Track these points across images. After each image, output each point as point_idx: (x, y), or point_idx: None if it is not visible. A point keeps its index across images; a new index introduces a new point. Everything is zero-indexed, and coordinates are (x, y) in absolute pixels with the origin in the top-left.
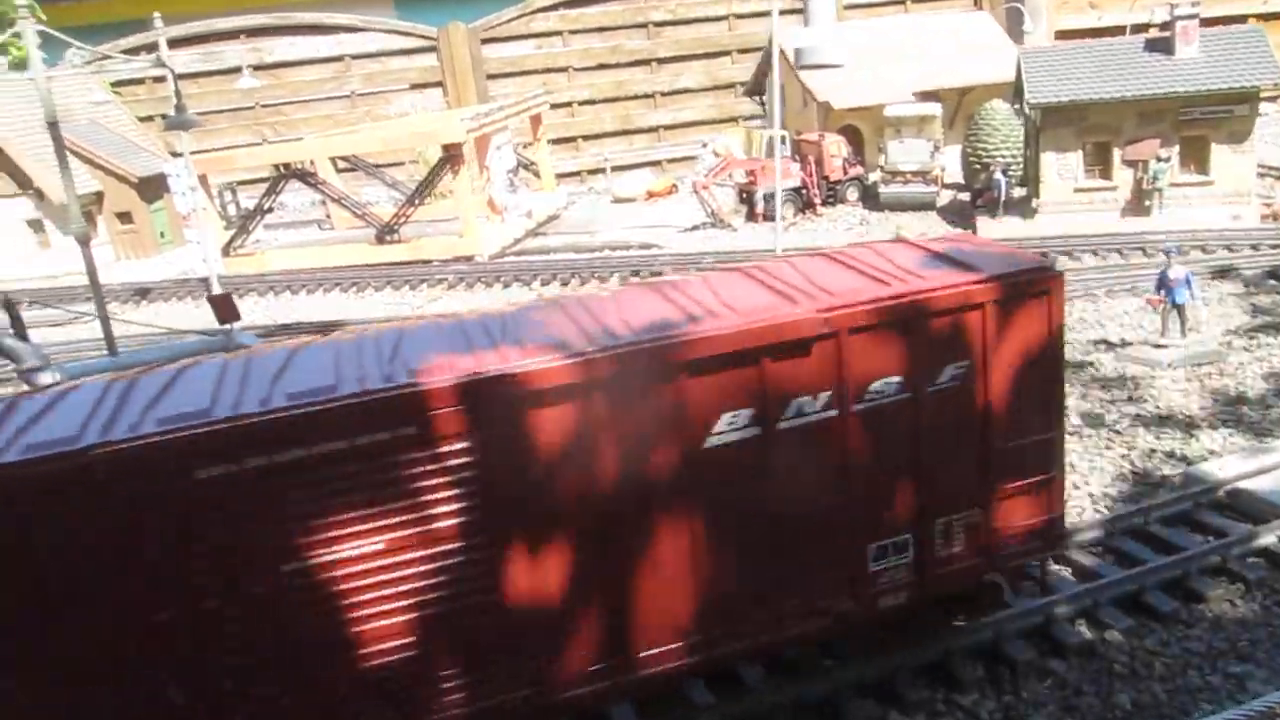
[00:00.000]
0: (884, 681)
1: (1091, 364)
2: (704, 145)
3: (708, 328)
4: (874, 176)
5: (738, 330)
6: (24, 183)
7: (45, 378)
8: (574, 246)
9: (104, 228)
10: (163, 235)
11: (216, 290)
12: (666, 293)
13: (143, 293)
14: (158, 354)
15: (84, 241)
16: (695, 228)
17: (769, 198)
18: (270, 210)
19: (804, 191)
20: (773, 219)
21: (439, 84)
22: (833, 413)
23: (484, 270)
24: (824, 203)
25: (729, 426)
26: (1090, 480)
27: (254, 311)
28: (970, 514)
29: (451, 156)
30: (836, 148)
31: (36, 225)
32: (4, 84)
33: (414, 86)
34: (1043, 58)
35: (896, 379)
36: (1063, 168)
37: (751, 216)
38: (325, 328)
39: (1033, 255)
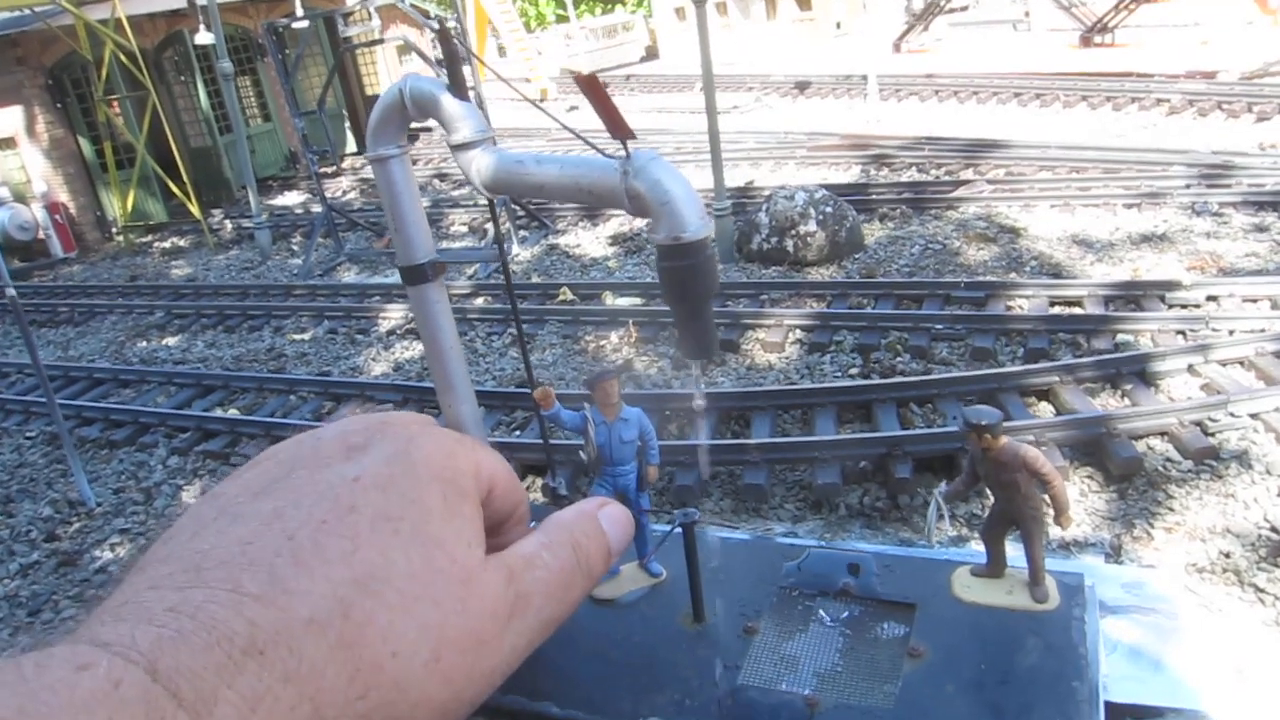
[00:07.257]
0: None
1: None
2: None
3: None
4: None
5: None
6: None
7: (477, 159)
8: None
9: (782, 14)
10: (838, 25)
11: (873, 95)
12: None
13: (802, 86)
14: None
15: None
16: None
17: None
18: (960, 7)
19: None
20: None
21: None
22: None
23: (1228, 93)
24: None
25: None
26: None
27: (909, 117)
28: None
29: None
30: None
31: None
32: None
33: None
34: None
35: None
36: None
37: None
38: (980, 148)
39: None
